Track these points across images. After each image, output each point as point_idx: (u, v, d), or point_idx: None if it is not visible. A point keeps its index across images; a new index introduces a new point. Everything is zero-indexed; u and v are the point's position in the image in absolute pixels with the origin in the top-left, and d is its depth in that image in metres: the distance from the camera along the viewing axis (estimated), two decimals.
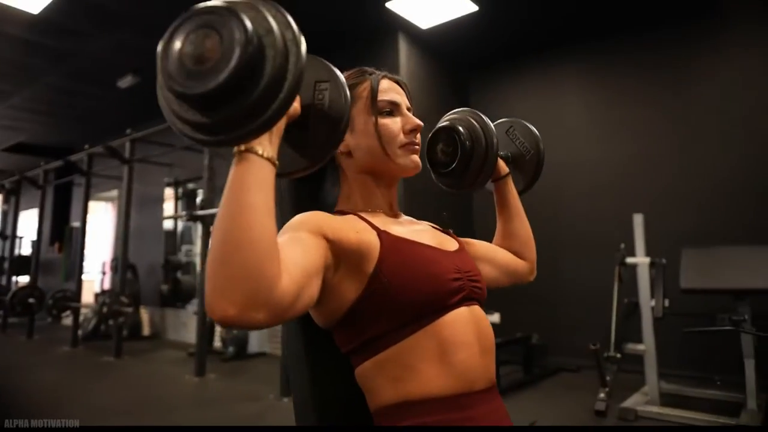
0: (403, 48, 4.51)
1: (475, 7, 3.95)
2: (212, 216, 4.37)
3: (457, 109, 1.02)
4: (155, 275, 6.93)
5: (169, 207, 7.30)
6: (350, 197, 0.83)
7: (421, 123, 0.83)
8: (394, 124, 0.81)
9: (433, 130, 0.98)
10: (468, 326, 0.72)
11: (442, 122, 0.98)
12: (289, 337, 0.82)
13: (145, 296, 6.91)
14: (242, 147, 0.55)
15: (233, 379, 4.30)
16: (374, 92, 0.81)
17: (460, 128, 0.94)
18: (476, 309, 0.75)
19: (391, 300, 0.68)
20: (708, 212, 3.97)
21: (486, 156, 0.93)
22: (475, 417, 0.68)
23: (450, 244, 0.83)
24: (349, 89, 0.81)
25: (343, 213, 0.79)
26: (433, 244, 0.79)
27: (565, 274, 4.45)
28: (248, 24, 0.49)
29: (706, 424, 2.82)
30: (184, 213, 4.30)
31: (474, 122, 0.95)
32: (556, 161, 4.83)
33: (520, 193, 1.05)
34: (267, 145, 0.56)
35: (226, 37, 0.49)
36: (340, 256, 0.69)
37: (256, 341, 5.34)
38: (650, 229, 3.49)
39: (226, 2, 0.51)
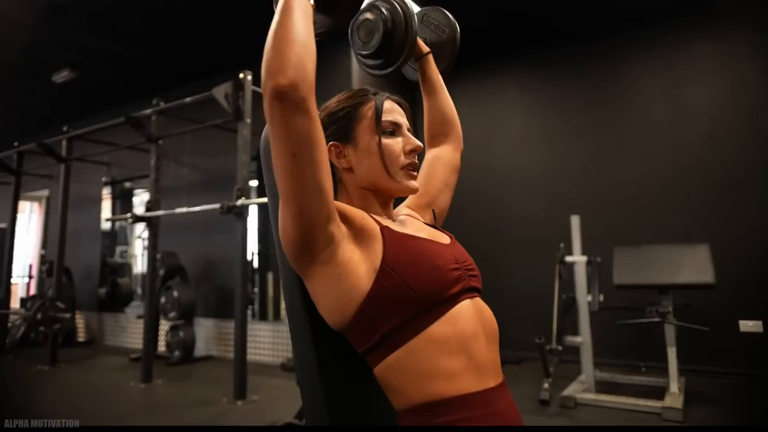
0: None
1: None
2: (158, 218, 4.26)
3: None
4: (91, 278, 6.60)
5: (104, 207, 6.98)
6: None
7: (421, 144, 0.89)
8: (396, 144, 0.87)
9: (357, 13, 1.01)
10: (475, 318, 0.77)
11: (363, 6, 1.00)
12: (299, 347, 0.83)
13: (81, 300, 6.57)
14: None
15: (182, 384, 4.20)
16: (378, 112, 0.87)
17: (382, 9, 0.98)
18: (478, 301, 0.80)
19: (401, 292, 0.72)
20: (637, 214, 4.33)
21: (406, 33, 0.97)
22: (497, 412, 0.73)
23: (442, 237, 0.89)
24: (354, 108, 0.88)
25: None
26: (429, 238, 0.84)
27: (509, 272, 4.69)
28: None
29: (636, 408, 3.10)
30: (129, 214, 4.13)
31: (394, 2, 0.99)
32: (500, 165, 5.11)
33: (442, 73, 1.12)
34: None
35: None
36: (346, 222, 0.76)
37: (202, 344, 5.24)
38: (586, 230, 3.76)
39: None
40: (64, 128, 5.02)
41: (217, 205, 3.56)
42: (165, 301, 4.87)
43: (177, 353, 4.86)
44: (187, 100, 3.89)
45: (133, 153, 5.35)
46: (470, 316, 0.76)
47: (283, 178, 0.70)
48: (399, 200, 0.99)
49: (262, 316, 5.53)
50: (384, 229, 0.78)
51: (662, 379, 3.43)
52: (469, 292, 0.79)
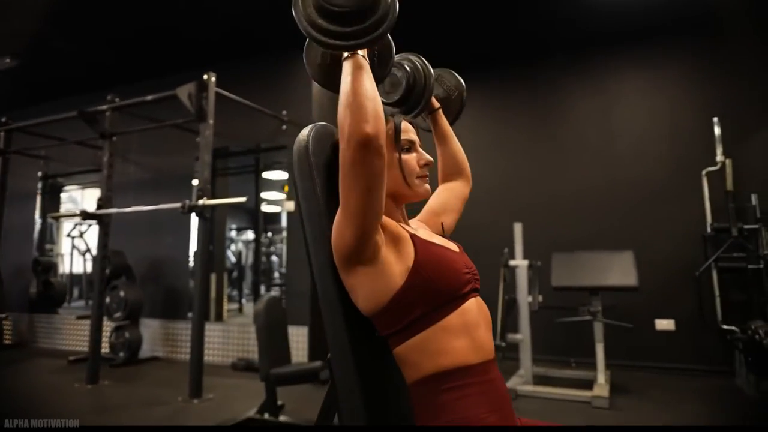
0: None
1: None
2: (110, 216, 4.18)
3: (404, 53, 1.24)
4: (21, 278, 6.25)
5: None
6: None
7: (432, 159, 1.07)
8: (412, 159, 1.05)
9: None
10: (477, 311, 0.95)
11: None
12: (331, 328, 0.97)
13: (10, 301, 6.20)
14: (358, 52, 0.85)
15: (130, 384, 4.14)
16: (398, 132, 1.04)
17: (407, 67, 1.18)
18: (480, 299, 0.99)
19: (428, 288, 0.90)
20: (573, 222, 4.75)
21: (424, 90, 1.19)
22: (490, 380, 0.90)
23: (453, 245, 1.06)
24: None
25: None
26: (445, 246, 1.02)
27: None
28: None
29: (569, 398, 3.45)
30: (79, 211, 4.02)
31: (417, 63, 1.20)
32: None
33: (451, 124, 1.34)
34: (364, 55, 0.87)
35: None
36: (385, 231, 0.93)
37: (148, 345, 5.14)
38: (528, 236, 4.11)
39: None
40: (2, 119, 4.78)
41: (177, 205, 3.56)
42: (110, 301, 4.75)
43: (122, 354, 4.75)
44: (149, 98, 3.87)
45: (71, 147, 5.19)
46: (475, 310, 0.95)
47: (355, 205, 0.85)
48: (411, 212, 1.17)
49: (206, 317, 5.49)
50: (413, 237, 0.96)
51: (590, 372, 3.82)
52: (475, 291, 0.99)
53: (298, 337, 4.42)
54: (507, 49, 5.07)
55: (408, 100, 1.19)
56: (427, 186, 1.07)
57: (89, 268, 7.78)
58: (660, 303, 4.38)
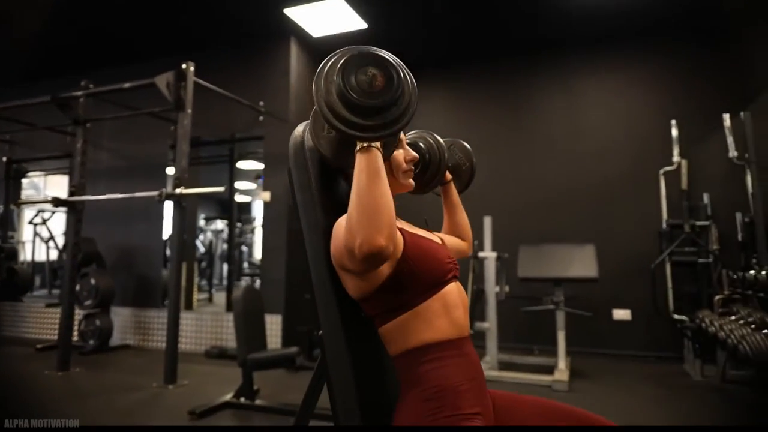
0: (294, 51, 4.78)
1: (365, 25, 4.39)
2: (83, 203, 4.15)
3: (417, 130, 1.37)
4: None
5: None
6: None
7: (417, 156, 1.18)
8: (399, 155, 1.16)
9: None
10: (456, 295, 1.07)
11: (408, 139, 1.31)
12: (324, 308, 1.07)
13: None
14: (373, 144, 0.90)
15: (102, 371, 4.14)
16: None
17: (422, 145, 1.31)
18: (458, 284, 1.11)
19: (414, 276, 1.01)
20: (540, 216, 4.97)
21: (439, 166, 1.31)
22: (464, 354, 1.02)
23: (436, 238, 1.19)
24: None
25: None
26: (430, 238, 1.14)
27: None
28: (400, 72, 0.88)
29: (531, 382, 3.66)
30: (51, 198, 3.99)
31: (431, 141, 1.32)
32: None
33: (460, 191, 1.46)
34: (379, 148, 0.92)
35: (388, 77, 0.87)
36: None
37: (118, 333, 5.13)
38: (496, 229, 4.29)
39: (387, 56, 0.91)
40: None
41: (154, 193, 3.59)
42: (80, 289, 4.70)
43: (92, 342, 4.73)
44: (126, 85, 3.84)
45: (37, 132, 5.10)
46: (455, 293, 1.07)
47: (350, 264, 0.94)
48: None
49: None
50: (402, 230, 1.06)
51: (552, 359, 4.04)
52: (455, 278, 1.11)
53: (272, 325, 4.50)
54: (481, 45, 5.23)
55: (425, 175, 1.31)
56: (411, 181, 1.19)
57: (53, 256, 7.62)
58: (618, 294, 4.65)
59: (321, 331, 1.11)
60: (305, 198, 1.14)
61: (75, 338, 4.91)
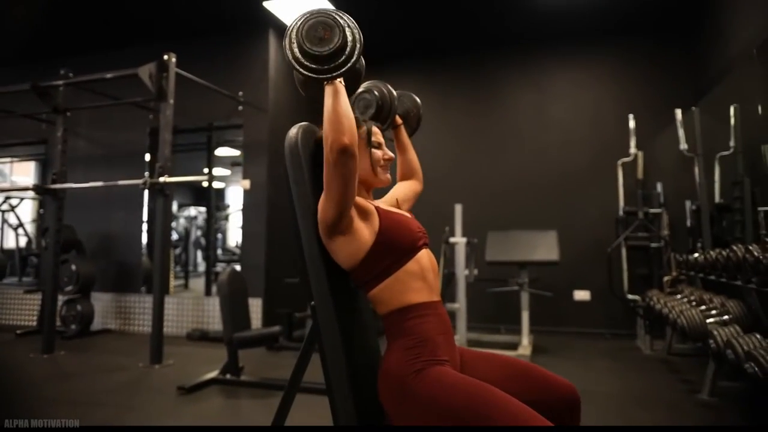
0: (273, 43, 4.92)
1: None
2: (64, 191, 4.24)
3: (374, 81, 1.59)
4: None
5: None
6: None
7: (393, 156, 1.41)
8: (378, 153, 1.37)
9: (359, 91, 1.53)
10: (428, 260, 1.30)
11: (364, 87, 1.56)
12: (316, 281, 1.26)
13: None
14: (336, 81, 1.15)
15: (86, 354, 4.28)
16: (369, 134, 1.37)
17: (375, 93, 1.55)
18: (429, 251, 1.33)
19: (392, 244, 1.23)
20: (507, 204, 5.28)
21: (391, 110, 1.56)
22: (439, 314, 1.23)
23: (407, 213, 1.43)
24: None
25: None
26: (402, 213, 1.37)
27: None
28: (342, 23, 1.14)
29: None
30: (32, 185, 4.07)
31: (384, 90, 1.57)
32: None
33: (409, 135, 1.71)
34: (340, 81, 1.17)
35: (333, 29, 1.13)
36: (356, 206, 1.24)
37: (99, 318, 5.24)
38: (466, 215, 4.56)
39: (336, 13, 1.16)
40: None
41: (138, 181, 3.72)
42: (61, 275, 4.78)
43: (74, 327, 4.84)
44: (108, 75, 3.94)
45: (5, 119, 5.13)
46: (426, 259, 1.30)
47: (335, 193, 1.17)
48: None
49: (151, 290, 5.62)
50: (377, 208, 1.29)
51: (517, 337, 4.36)
52: (425, 246, 1.33)
53: (253, 308, 4.69)
54: (452, 38, 5.46)
55: (378, 118, 1.55)
56: (388, 176, 1.42)
57: (22, 243, 7.58)
58: (578, 276, 5.01)
59: (313, 302, 1.34)
60: (299, 190, 1.36)
61: (56, 323, 5.02)
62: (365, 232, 1.25)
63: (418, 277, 1.26)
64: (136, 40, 5.20)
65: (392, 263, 1.25)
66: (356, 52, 1.16)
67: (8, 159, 8.39)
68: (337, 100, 1.15)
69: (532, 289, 4.29)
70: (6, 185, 8.65)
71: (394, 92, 1.58)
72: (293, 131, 1.41)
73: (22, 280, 7.17)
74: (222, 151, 7.70)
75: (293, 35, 1.15)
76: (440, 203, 5.13)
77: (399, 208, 1.52)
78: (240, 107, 4.84)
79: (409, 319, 1.22)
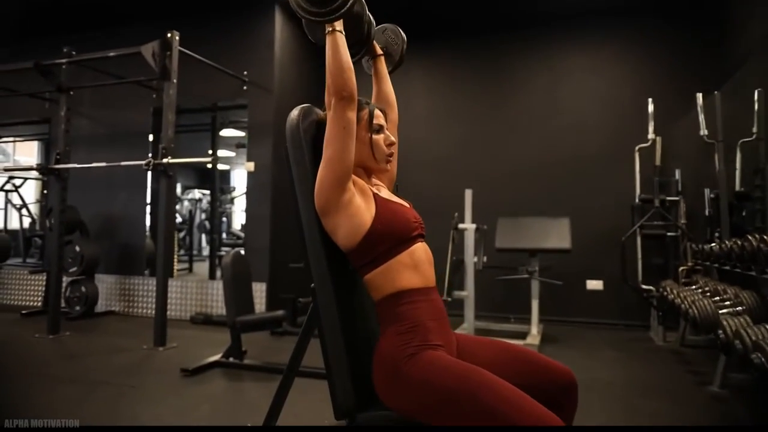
0: (279, 21, 4.95)
1: None
2: (68, 171, 4.34)
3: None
4: None
5: None
6: None
7: (395, 140, 1.45)
8: (380, 139, 1.41)
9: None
10: (422, 251, 1.35)
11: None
12: (315, 261, 1.33)
13: None
14: (336, 27, 1.23)
15: (92, 335, 4.42)
16: (371, 117, 1.40)
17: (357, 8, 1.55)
18: (424, 243, 1.38)
19: (387, 232, 1.28)
20: (518, 189, 5.30)
21: (368, 36, 1.58)
22: (431, 300, 1.28)
23: (405, 202, 1.45)
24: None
25: None
26: (399, 203, 1.41)
27: None
28: None
29: None
30: (36, 165, 4.17)
31: (362, 11, 1.55)
32: (403, 139, 5.79)
33: (390, 72, 1.72)
34: (341, 30, 1.25)
35: None
36: (355, 185, 1.30)
37: (103, 300, 5.38)
38: (476, 201, 4.59)
39: None
40: None
41: (141, 162, 3.80)
42: (65, 256, 4.91)
43: (78, 308, 4.99)
44: (111, 53, 4.01)
45: (9, 97, 5.22)
46: (421, 250, 1.35)
47: (334, 143, 1.23)
48: None
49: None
50: (375, 195, 1.33)
51: (526, 326, 4.42)
52: (421, 237, 1.39)
53: (257, 293, 4.79)
54: (462, 18, 5.45)
55: (351, 37, 1.52)
56: (388, 165, 1.45)
57: (26, 223, 7.75)
58: (592, 265, 5.04)
59: (313, 284, 1.41)
60: (300, 171, 1.41)
61: (61, 305, 5.17)
62: (365, 213, 1.29)
63: (411, 267, 1.31)
64: (141, 17, 5.25)
65: (386, 251, 1.30)
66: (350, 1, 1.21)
67: (11, 138, 8.56)
68: (336, 51, 1.23)
69: (542, 278, 4.33)
70: (10, 165, 8.84)
71: (373, 21, 1.59)
72: (294, 113, 1.46)
73: (27, 261, 7.36)
74: (227, 132, 7.78)
75: None
76: (449, 188, 5.17)
77: (396, 191, 1.56)
78: (245, 87, 4.89)
79: (402, 305, 1.28)
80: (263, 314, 3.63)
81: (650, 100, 4.63)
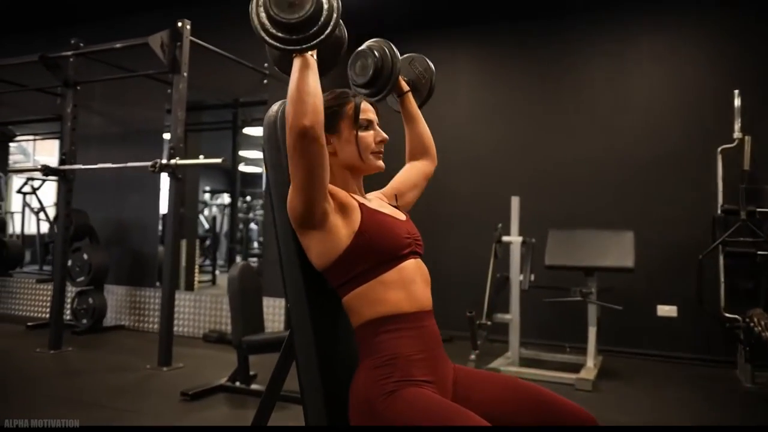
0: None
1: None
2: (74, 172, 4.51)
3: (373, 39, 1.58)
4: None
5: None
6: (334, 183, 1.33)
7: (387, 137, 1.39)
8: (369, 136, 1.36)
9: (355, 52, 1.54)
10: (414, 269, 1.29)
11: (365, 46, 1.55)
12: (290, 279, 1.31)
13: None
14: (306, 53, 1.14)
15: (95, 351, 4.56)
16: (357, 111, 1.36)
17: (375, 52, 1.53)
18: (419, 260, 1.33)
19: (370, 249, 1.23)
20: (573, 198, 5.11)
21: (392, 73, 1.53)
22: (423, 327, 1.24)
23: (400, 215, 1.40)
24: (339, 107, 1.38)
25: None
26: (391, 215, 1.35)
27: (447, 248, 5.37)
28: None
29: (553, 380, 3.87)
30: (41, 166, 4.36)
31: (385, 49, 1.54)
32: (444, 139, 5.70)
33: (419, 107, 1.67)
34: (312, 54, 1.17)
35: None
36: (334, 199, 1.25)
37: (113, 313, 5.56)
38: (523, 210, 4.45)
39: None
40: None
41: (147, 164, 3.90)
42: (72, 264, 5.11)
43: (85, 321, 5.17)
44: (118, 45, 4.15)
45: (26, 92, 5.47)
46: (412, 268, 1.29)
47: (300, 181, 1.18)
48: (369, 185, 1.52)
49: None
50: (361, 205, 1.29)
51: (583, 357, 4.24)
52: (414, 254, 1.33)
53: (275, 309, 4.83)
54: (511, 3, 5.33)
55: (375, 83, 1.54)
56: (380, 162, 1.41)
57: (44, 228, 8.11)
58: (663, 288, 4.79)
59: (288, 304, 1.38)
60: (276, 176, 1.38)
61: (68, 317, 5.38)
62: (342, 231, 1.26)
63: (398, 287, 1.26)
64: (155, 5, 5.42)
65: (368, 269, 1.25)
66: (332, 22, 1.13)
67: (31, 137, 9.03)
68: (303, 74, 1.13)
69: (599, 301, 4.15)
70: (29, 165, 9.33)
71: (398, 54, 1.55)
72: (274, 108, 1.44)
73: (43, 268, 7.70)
74: (255, 131, 7.92)
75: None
76: (493, 194, 5.07)
77: (395, 201, 1.51)
78: (265, 81, 4.96)
79: (381, 333, 1.23)
80: (273, 334, 3.63)
81: (737, 92, 4.37)
